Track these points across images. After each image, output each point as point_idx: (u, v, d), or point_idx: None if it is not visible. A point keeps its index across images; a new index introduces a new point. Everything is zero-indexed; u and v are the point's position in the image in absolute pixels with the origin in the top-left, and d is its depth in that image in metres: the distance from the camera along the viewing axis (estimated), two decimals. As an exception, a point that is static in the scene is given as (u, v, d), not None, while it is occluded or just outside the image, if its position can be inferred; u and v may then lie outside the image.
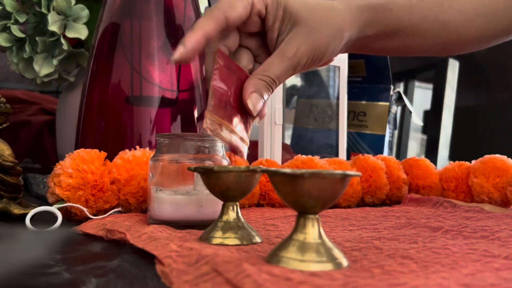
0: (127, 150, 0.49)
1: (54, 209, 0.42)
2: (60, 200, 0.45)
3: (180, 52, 0.34)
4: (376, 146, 0.95)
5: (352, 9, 0.40)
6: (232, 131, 0.36)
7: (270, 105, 0.71)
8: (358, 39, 0.41)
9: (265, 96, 0.37)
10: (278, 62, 0.38)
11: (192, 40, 0.34)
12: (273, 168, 0.28)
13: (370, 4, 0.41)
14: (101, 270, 0.28)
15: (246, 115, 0.38)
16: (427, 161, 0.74)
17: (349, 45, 0.42)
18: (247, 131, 0.38)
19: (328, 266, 0.27)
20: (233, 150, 0.36)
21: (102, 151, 0.48)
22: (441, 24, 0.43)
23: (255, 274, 0.24)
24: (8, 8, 0.70)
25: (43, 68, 0.74)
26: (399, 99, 0.97)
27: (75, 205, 0.44)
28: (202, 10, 0.79)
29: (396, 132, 1.17)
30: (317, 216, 0.28)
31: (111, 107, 0.58)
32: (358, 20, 0.41)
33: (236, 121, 0.37)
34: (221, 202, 0.37)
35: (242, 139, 0.37)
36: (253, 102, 0.37)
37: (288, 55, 0.37)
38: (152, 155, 0.44)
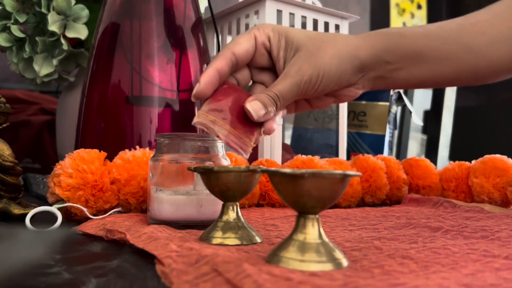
0: (127, 150, 0.49)
1: (54, 209, 0.42)
2: (60, 200, 0.45)
3: (196, 88, 0.38)
4: (376, 146, 0.95)
5: (359, 36, 0.41)
6: (226, 129, 0.37)
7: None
8: (378, 65, 0.41)
9: (269, 108, 0.38)
10: (281, 80, 0.39)
11: (205, 77, 0.37)
12: (273, 168, 0.28)
13: (381, 31, 0.41)
14: (101, 270, 0.28)
15: (251, 126, 0.38)
16: (427, 161, 0.74)
17: (371, 76, 0.41)
18: (250, 139, 0.38)
19: (328, 266, 0.27)
20: (231, 146, 0.36)
21: (102, 151, 0.48)
22: (465, 47, 0.41)
23: (255, 274, 0.24)
24: (8, 8, 0.70)
25: (43, 68, 0.74)
26: (399, 99, 0.97)
27: (75, 205, 0.44)
28: (202, 10, 0.79)
29: (396, 132, 1.17)
30: (317, 216, 0.28)
31: (111, 107, 0.58)
32: (368, 43, 0.40)
33: (234, 124, 0.37)
34: (221, 202, 0.37)
35: (241, 139, 0.37)
36: (252, 106, 0.37)
37: (290, 73, 0.39)
38: (152, 155, 0.44)
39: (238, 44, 0.39)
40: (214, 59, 0.38)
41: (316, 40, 0.40)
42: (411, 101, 1.41)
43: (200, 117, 0.37)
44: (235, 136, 0.37)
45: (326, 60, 0.39)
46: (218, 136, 0.37)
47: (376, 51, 0.40)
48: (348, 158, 0.90)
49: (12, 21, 0.71)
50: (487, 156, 0.67)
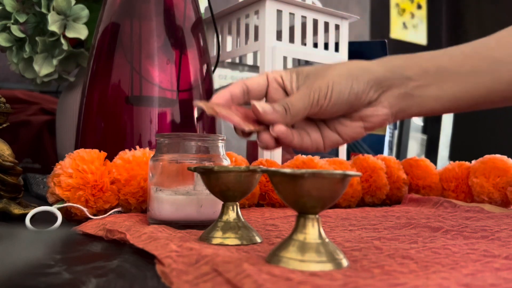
0: (127, 150, 0.49)
1: (54, 209, 0.42)
2: (60, 200, 0.45)
3: (209, 102, 0.38)
4: (376, 146, 0.95)
5: (370, 61, 0.40)
6: (229, 112, 0.36)
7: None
8: (398, 81, 0.39)
9: (277, 108, 0.37)
10: (292, 94, 0.39)
11: (217, 94, 0.39)
12: (273, 168, 0.28)
13: (394, 55, 0.41)
14: (101, 270, 0.28)
15: (257, 123, 0.38)
16: (427, 161, 0.74)
17: (395, 93, 0.40)
18: (254, 126, 0.37)
19: (328, 266, 0.27)
20: (230, 121, 0.36)
21: (102, 151, 0.48)
22: (495, 61, 0.39)
23: (255, 274, 0.24)
24: (8, 8, 0.70)
25: (43, 68, 0.74)
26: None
27: (75, 205, 0.44)
28: (202, 10, 0.79)
29: (396, 132, 1.17)
30: (317, 216, 0.28)
31: (111, 107, 0.58)
32: (380, 61, 0.40)
33: (240, 117, 0.37)
34: (221, 202, 0.37)
35: (242, 122, 0.36)
36: (259, 103, 0.37)
37: (301, 89, 0.39)
38: (152, 155, 0.44)
39: (250, 78, 0.41)
40: (230, 85, 0.40)
41: (325, 66, 0.40)
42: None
43: (203, 103, 0.36)
44: (237, 120, 0.36)
45: (334, 73, 0.38)
46: (217, 114, 0.36)
47: (390, 67, 0.39)
48: (348, 158, 0.90)
49: (12, 21, 0.71)
50: (487, 156, 0.67)
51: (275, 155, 0.69)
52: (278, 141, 0.38)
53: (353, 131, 0.41)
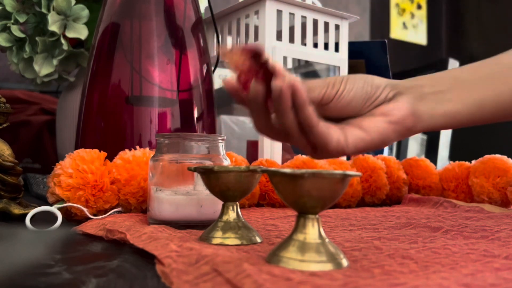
0: (127, 150, 0.49)
1: (54, 209, 0.42)
2: (60, 200, 0.45)
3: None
4: (376, 146, 0.95)
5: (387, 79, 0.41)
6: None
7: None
8: (412, 87, 0.39)
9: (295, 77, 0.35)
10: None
11: None
12: (273, 168, 0.28)
13: (405, 79, 0.41)
14: (101, 270, 0.28)
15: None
16: (427, 161, 0.74)
17: (410, 97, 0.39)
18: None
19: (328, 266, 0.27)
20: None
21: (102, 151, 0.48)
22: (508, 67, 0.40)
23: (255, 274, 0.24)
24: (8, 8, 0.70)
25: (43, 68, 0.74)
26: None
27: (75, 205, 0.44)
28: (202, 10, 0.79)
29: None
30: (317, 216, 0.28)
31: (111, 107, 0.58)
32: (392, 81, 0.40)
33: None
34: (221, 202, 0.37)
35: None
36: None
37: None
38: (152, 155, 0.44)
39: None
40: None
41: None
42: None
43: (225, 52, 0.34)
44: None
45: (350, 75, 0.39)
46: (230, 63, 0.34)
47: (403, 81, 0.40)
48: (348, 158, 0.90)
49: (12, 21, 0.71)
50: (487, 156, 0.67)
51: (275, 155, 0.69)
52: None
53: (376, 126, 0.38)
